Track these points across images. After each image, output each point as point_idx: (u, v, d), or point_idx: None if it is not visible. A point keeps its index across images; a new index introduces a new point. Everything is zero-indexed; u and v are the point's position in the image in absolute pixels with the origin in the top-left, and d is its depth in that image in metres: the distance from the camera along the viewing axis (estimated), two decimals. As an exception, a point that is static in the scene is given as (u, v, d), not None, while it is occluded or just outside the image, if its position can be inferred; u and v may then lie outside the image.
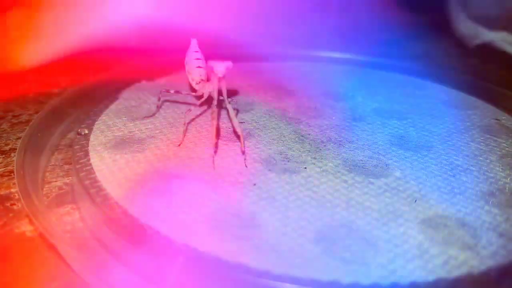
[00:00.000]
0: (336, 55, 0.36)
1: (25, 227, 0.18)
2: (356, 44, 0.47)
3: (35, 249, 0.17)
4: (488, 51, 0.41)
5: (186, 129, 0.22)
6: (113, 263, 0.16)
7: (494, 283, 0.15)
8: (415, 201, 0.18)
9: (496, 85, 0.30)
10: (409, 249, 0.15)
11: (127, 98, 0.26)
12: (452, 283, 0.14)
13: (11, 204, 0.19)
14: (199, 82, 0.23)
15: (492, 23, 0.42)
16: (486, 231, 0.16)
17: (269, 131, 0.23)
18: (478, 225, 0.16)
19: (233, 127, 0.21)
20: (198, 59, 0.23)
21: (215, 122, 0.19)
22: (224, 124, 0.23)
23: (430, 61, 0.43)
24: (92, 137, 0.21)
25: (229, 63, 0.20)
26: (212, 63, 0.20)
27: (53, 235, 0.16)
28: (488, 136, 0.23)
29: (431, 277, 0.14)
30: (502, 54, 0.40)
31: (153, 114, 0.23)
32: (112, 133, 0.22)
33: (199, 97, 0.23)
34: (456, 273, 0.14)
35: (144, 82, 0.28)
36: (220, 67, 0.20)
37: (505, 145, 0.23)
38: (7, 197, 0.20)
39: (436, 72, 0.32)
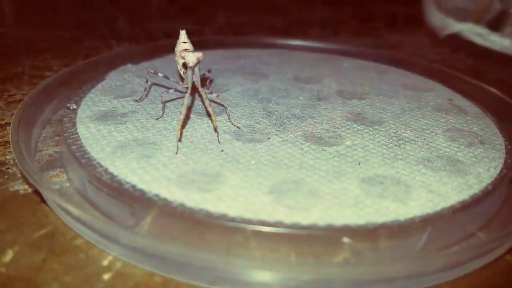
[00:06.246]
0: (310, 44, 0.38)
1: (18, 187, 0.20)
2: (335, 33, 0.50)
3: (28, 204, 0.19)
4: (457, 41, 0.44)
5: (164, 105, 0.24)
6: (93, 213, 0.18)
7: (418, 228, 0.17)
8: (359, 164, 0.20)
9: (461, 73, 0.33)
10: (346, 200, 0.18)
11: (112, 78, 0.28)
12: (379, 226, 0.17)
13: (6, 168, 0.22)
14: (185, 72, 0.25)
15: (461, 15, 0.44)
16: (418, 188, 0.19)
17: (240, 108, 0.25)
18: (412, 183, 0.19)
19: (205, 108, 0.23)
20: (186, 49, 0.25)
21: (185, 102, 0.21)
22: (200, 103, 0.25)
23: (403, 50, 0.46)
24: (79, 111, 0.24)
25: (199, 54, 0.21)
26: (184, 53, 0.21)
27: (44, 191, 0.18)
28: (438, 113, 0.26)
29: (361, 221, 0.17)
30: (470, 44, 0.43)
31: (141, 98, 0.26)
32: (97, 108, 0.24)
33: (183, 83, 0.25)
34: (384, 219, 0.17)
35: (129, 65, 0.31)
36: (192, 58, 0.21)
37: (452, 121, 0.25)
38: (3, 163, 0.22)
39: (401, 59, 0.35)
